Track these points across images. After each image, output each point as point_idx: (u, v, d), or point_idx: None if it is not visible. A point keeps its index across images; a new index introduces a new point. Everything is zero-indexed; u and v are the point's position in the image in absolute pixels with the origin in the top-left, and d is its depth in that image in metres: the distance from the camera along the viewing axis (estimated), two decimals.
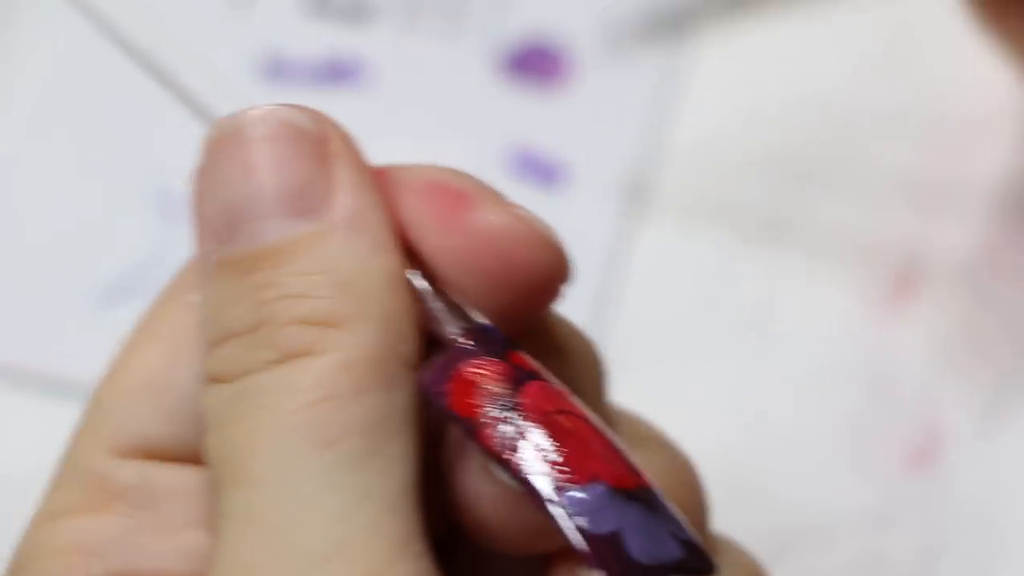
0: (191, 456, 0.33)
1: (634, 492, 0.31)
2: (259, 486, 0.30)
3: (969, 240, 0.53)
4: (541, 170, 0.54)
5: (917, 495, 0.50)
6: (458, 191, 0.32)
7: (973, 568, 0.49)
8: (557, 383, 0.32)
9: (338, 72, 0.55)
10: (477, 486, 0.31)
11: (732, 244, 0.54)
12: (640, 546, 0.30)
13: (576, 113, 0.54)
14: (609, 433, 0.32)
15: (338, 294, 0.31)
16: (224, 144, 0.32)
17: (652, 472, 0.32)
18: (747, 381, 0.52)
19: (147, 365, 0.33)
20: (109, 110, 0.54)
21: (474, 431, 0.31)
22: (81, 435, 0.34)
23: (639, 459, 0.32)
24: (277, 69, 0.55)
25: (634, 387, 0.50)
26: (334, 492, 0.30)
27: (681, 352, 0.53)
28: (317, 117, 0.32)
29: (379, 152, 0.54)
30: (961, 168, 0.54)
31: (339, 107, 0.55)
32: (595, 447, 0.31)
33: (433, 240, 0.32)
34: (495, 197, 0.32)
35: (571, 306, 0.51)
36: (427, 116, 0.55)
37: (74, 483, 0.33)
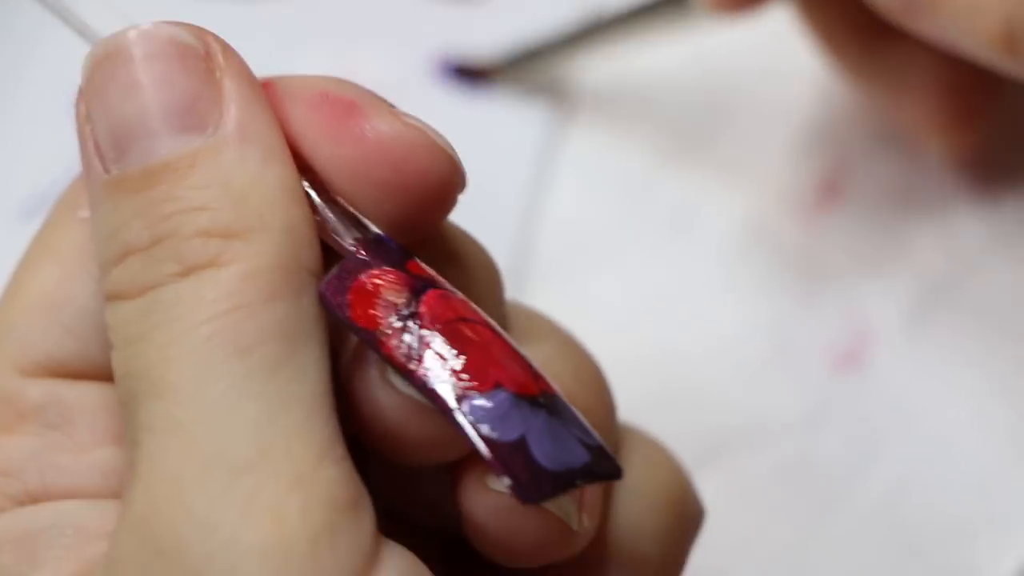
0: (97, 372, 0.33)
1: (538, 398, 0.31)
2: (179, 397, 0.30)
3: (893, 145, 0.53)
4: (465, 74, 0.54)
5: (845, 396, 0.50)
6: (347, 101, 0.32)
7: (902, 467, 0.49)
8: (456, 291, 0.32)
9: None
10: (378, 396, 0.31)
11: (657, 149, 0.54)
12: (546, 452, 0.30)
13: (500, 16, 0.53)
14: (511, 340, 0.32)
15: (236, 205, 0.31)
16: (108, 64, 0.32)
17: (555, 368, 0.33)
18: (674, 285, 0.52)
19: (44, 283, 0.33)
20: (18, 18, 0.53)
21: (376, 342, 0.31)
22: None
23: (542, 355, 0.33)
24: None
25: (562, 292, 0.51)
26: (254, 399, 0.30)
27: (608, 257, 0.53)
28: (199, 32, 0.32)
29: (301, 60, 0.54)
30: None
31: (258, 16, 0.56)
32: (497, 354, 0.31)
33: (325, 150, 0.32)
34: (385, 106, 0.32)
35: (498, 209, 0.51)
36: (348, 22, 0.54)
37: None
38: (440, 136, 0.32)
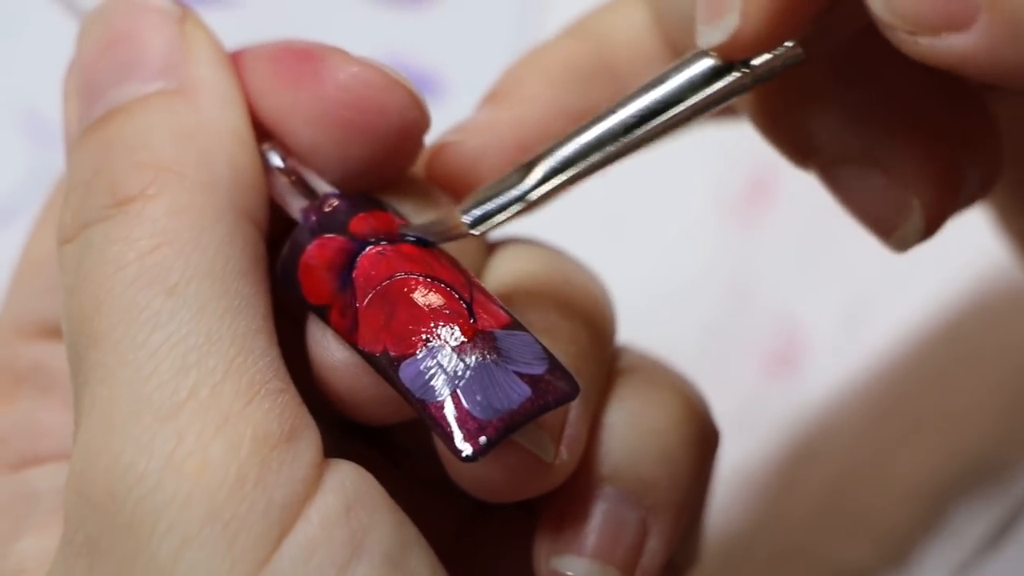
0: None
1: (473, 341, 0.31)
2: (110, 344, 0.30)
3: None
4: (416, 81, 0.52)
5: (777, 399, 0.51)
6: (305, 50, 0.33)
7: (833, 472, 0.50)
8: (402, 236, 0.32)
9: None
10: (331, 357, 0.32)
11: None
12: (479, 401, 0.30)
13: (448, 22, 0.53)
14: (451, 280, 0.32)
15: (177, 142, 0.31)
16: (91, 29, 0.33)
17: (534, 289, 0.33)
18: (607, 283, 0.52)
19: (38, 247, 0.34)
20: None
21: (325, 316, 0.31)
22: None
23: (521, 277, 0.33)
24: None
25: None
26: (182, 339, 0.30)
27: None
28: (175, 3, 0.33)
29: None
30: None
31: (208, 25, 0.53)
32: (428, 306, 0.31)
33: (287, 98, 0.32)
34: (342, 52, 0.33)
35: None
36: (296, 30, 0.52)
37: None
38: (399, 74, 0.33)
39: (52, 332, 0.34)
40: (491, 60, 0.53)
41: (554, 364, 0.31)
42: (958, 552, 0.48)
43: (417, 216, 0.33)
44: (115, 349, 0.30)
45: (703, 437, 0.35)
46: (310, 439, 0.30)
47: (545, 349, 0.31)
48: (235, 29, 0.53)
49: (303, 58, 0.33)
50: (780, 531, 0.49)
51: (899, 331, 0.51)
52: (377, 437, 0.35)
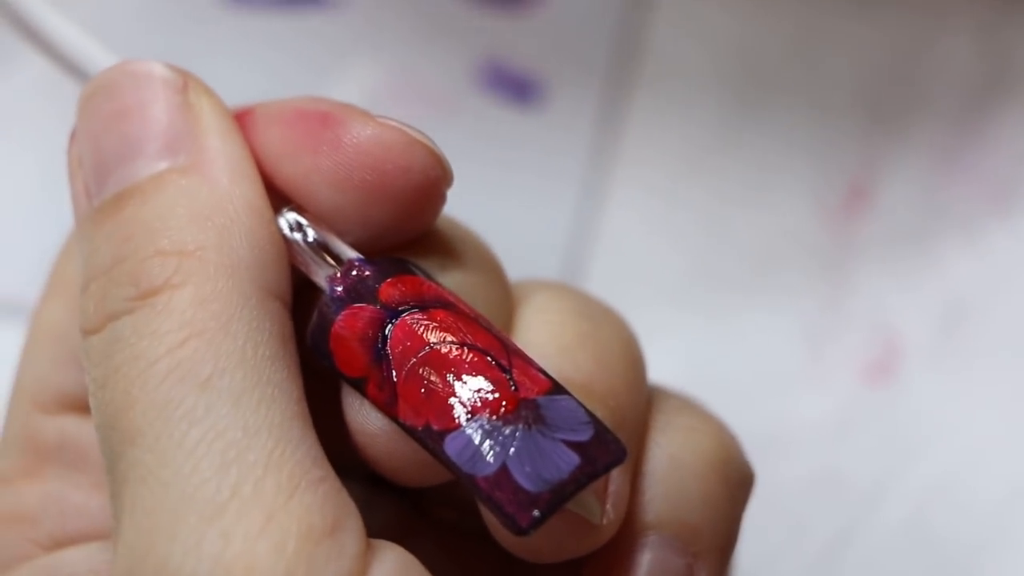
0: None
1: (516, 412, 0.30)
2: (147, 442, 0.29)
3: (923, 148, 0.53)
4: (515, 85, 0.53)
5: (875, 408, 0.50)
6: (322, 113, 0.32)
7: (931, 481, 0.49)
8: (429, 303, 0.31)
9: None
10: (369, 426, 0.31)
11: (690, 154, 0.53)
12: (529, 473, 0.29)
13: (547, 24, 0.53)
14: (495, 346, 0.31)
15: (195, 224, 0.31)
16: (94, 100, 0.32)
17: (573, 352, 0.32)
18: (705, 292, 0.52)
19: (50, 318, 0.34)
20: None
21: (361, 388, 0.31)
22: (12, 395, 0.34)
23: (559, 336, 0.32)
24: None
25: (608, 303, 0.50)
26: (219, 435, 0.29)
27: (648, 266, 0.52)
28: (178, 69, 0.33)
29: (350, 71, 0.53)
30: (915, 77, 0.53)
31: (308, 29, 0.55)
32: (470, 376, 0.30)
33: (306, 164, 0.32)
34: (359, 112, 0.32)
35: (547, 224, 0.51)
36: (397, 32, 0.53)
37: (14, 448, 0.33)
38: (418, 132, 0.32)
39: (74, 405, 0.33)
40: (592, 64, 0.53)
41: (600, 428, 0.31)
42: None
43: (441, 273, 0.33)
44: (153, 447, 0.29)
45: (741, 477, 0.34)
46: (353, 528, 0.30)
47: (588, 412, 0.31)
48: (333, 31, 0.54)
49: (320, 122, 0.32)
50: (878, 537, 0.49)
51: (997, 336, 0.50)
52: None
